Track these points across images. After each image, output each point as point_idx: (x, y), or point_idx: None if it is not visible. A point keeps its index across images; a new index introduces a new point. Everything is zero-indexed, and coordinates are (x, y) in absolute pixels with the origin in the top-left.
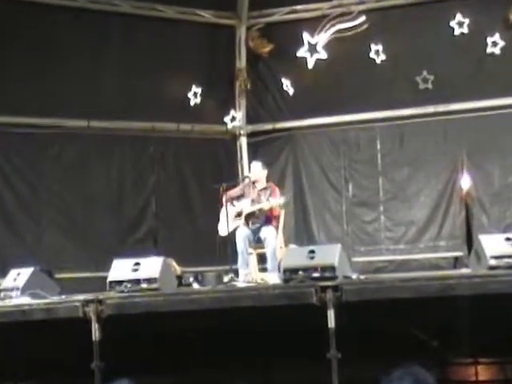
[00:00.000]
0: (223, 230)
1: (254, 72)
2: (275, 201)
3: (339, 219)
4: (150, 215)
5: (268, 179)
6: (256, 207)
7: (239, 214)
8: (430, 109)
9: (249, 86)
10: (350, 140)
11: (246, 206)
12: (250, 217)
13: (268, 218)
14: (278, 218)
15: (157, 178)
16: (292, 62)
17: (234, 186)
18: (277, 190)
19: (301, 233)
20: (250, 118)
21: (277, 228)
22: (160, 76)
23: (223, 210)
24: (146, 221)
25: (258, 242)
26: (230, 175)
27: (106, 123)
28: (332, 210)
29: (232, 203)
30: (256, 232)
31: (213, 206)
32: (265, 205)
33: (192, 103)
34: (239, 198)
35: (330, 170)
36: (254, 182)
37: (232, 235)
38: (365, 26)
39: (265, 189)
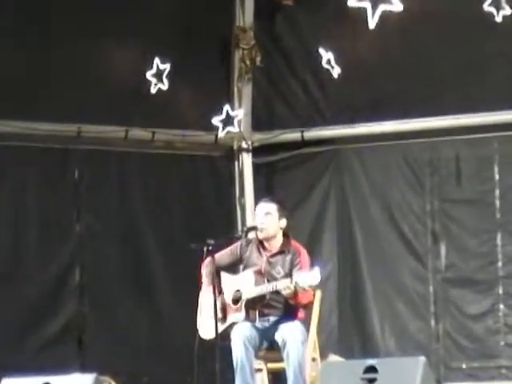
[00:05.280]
0: (207, 328)
1: (269, 36)
2: (305, 279)
3: (422, 308)
4: (72, 293)
5: (288, 233)
6: (267, 288)
7: (236, 300)
8: None
9: (258, 62)
10: (443, 162)
11: (248, 285)
12: (256, 304)
13: (290, 306)
14: (309, 305)
15: (84, 225)
16: (338, 17)
17: (228, 246)
18: (305, 255)
19: (350, 332)
20: (260, 121)
21: (306, 324)
22: (96, 42)
23: (207, 290)
24: (64, 304)
25: (270, 348)
26: (221, 223)
27: None
28: (408, 290)
29: (220, 278)
30: (268, 331)
31: (186, 281)
32: (284, 285)
33: (153, 90)
34: (235, 266)
35: (405, 215)
36: (263, 240)
37: (224, 336)
38: None
39: (282, 253)
